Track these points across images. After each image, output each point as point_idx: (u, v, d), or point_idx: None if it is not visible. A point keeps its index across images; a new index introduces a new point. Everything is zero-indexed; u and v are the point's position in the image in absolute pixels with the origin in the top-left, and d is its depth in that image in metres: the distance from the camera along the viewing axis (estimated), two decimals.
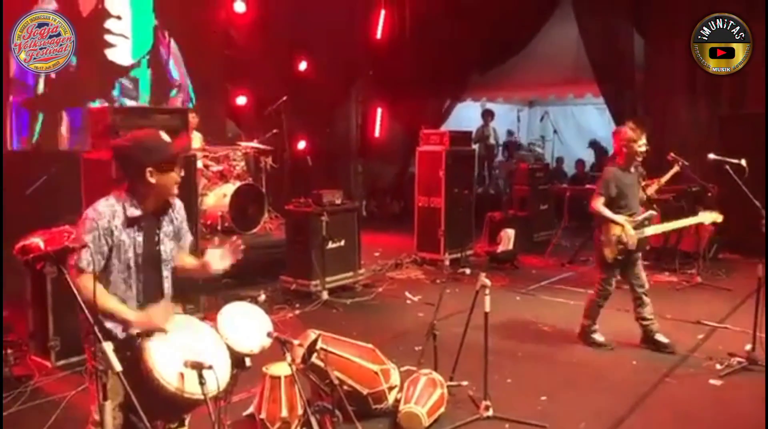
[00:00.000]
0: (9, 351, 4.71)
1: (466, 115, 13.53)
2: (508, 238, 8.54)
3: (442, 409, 4.14)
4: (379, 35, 12.18)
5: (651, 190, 6.77)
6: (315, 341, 3.85)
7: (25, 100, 8.51)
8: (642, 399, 4.52)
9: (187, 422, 3.05)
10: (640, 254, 5.53)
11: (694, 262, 7.88)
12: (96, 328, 2.45)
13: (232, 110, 11.05)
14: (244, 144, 9.05)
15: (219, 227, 7.97)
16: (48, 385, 4.56)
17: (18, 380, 4.57)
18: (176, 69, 10.24)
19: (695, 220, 5.83)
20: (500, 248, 8.56)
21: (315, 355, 3.80)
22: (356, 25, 12.12)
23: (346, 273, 7.21)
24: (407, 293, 7.17)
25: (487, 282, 4.26)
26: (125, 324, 2.79)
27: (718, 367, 5.01)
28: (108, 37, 9.33)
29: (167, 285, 2.99)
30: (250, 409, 3.95)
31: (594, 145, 14.05)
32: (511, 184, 11.50)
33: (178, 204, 3.07)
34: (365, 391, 4.07)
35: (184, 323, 2.96)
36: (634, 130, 5.35)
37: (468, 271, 8.02)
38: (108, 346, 2.43)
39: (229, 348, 3.03)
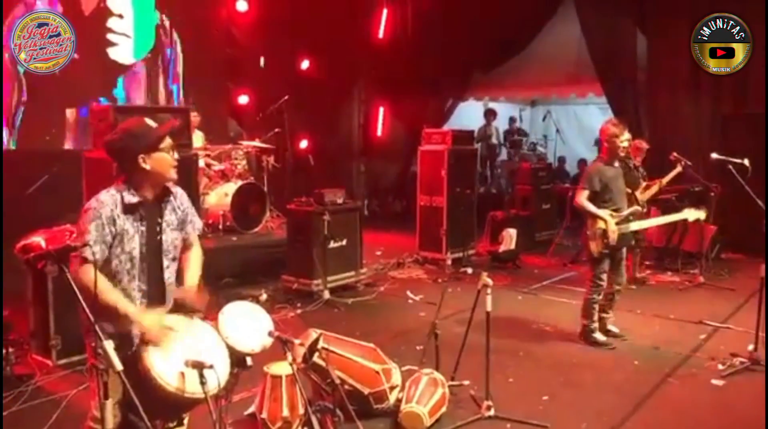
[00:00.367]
0: (10, 350, 4.70)
1: (468, 115, 13.51)
2: (510, 237, 8.53)
3: (444, 409, 4.13)
4: (381, 34, 12.17)
5: (649, 194, 6.78)
6: (316, 340, 3.84)
7: (26, 99, 8.51)
8: (644, 399, 4.51)
9: (186, 422, 3.04)
10: (625, 250, 5.64)
11: (697, 262, 7.88)
12: (96, 326, 2.45)
13: (234, 109, 11.05)
14: (245, 143, 9.06)
15: (221, 226, 7.97)
16: (49, 384, 4.56)
17: (19, 379, 4.57)
18: (173, 71, 10.25)
19: (680, 217, 5.88)
20: (502, 248, 8.56)
21: (316, 354, 3.79)
22: (358, 25, 12.11)
23: (347, 272, 7.21)
24: (409, 293, 7.17)
25: (489, 281, 4.25)
26: (124, 318, 2.78)
27: (721, 367, 5.00)
28: (110, 36, 9.34)
29: (167, 275, 2.98)
30: (251, 409, 3.95)
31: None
32: (513, 184, 11.49)
33: (179, 192, 3.07)
34: (366, 391, 4.07)
35: (185, 323, 2.95)
36: (616, 126, 5.47)
37: (470, 270, 8.01)
38: (109, 345, 2.42)
39: (230, 347, 3.02)
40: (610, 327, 5.72)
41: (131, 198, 2.84)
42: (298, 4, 11.13)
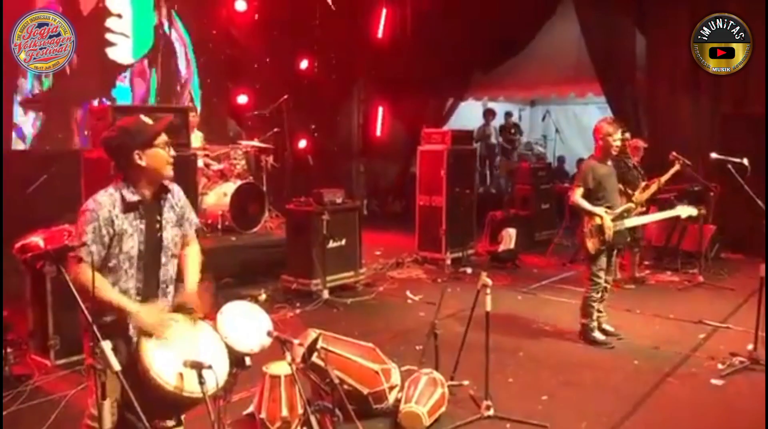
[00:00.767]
0: (9, 350, 4.70)
1: (467, 115, 13.51)
2: (509, 237, 8.54)
3: (443, 409, 4.13)
4: (380, 34, 12.17)
5: (648, 193, 6.78)
6: (315, 340, 3.83)
7: (26, 99, 8.50)
8: (643, 399, 4.51)
9: (182, 420, 3.04)
10: (620, 248, 5.71)
11: (696, 261, 7.87)
12: (94, 327, 2.44)
13: (233, 109, 11.04)
14: (244, 143, 9.05)
15: (219, 226, 7.96)
16: (48, 384, 4.55)
17: (18, 379, 4.56)
18: (184, 63, 10.24)
19: (672, 214, 5.92)
20: (501, 247, 8.56)
21: (315, 354, 3.78)
22: (358, 24, 12.10)
23: (347, 272, 7.20)
24: (408, 292, 7.16)
25: (489, 281, 4.25)
26: (122, 315, 2.78)
27: (720, 366, 5.00)
28: (109, 36, 9.32)
29: (163, 272, 2.97)
30: (250, 409, 3.94)
31: None
32: (512, 184, 11.50)
33: (176, 188, 3.07)
34: (366, 391, 4.06)
35: (183, 322, 2.94)
36: (610, 125, 5.56)
37: (469, 270, 8.03)
38: (106, 345, 2.42)
39: (229, 347, 3.02)
40: (605, 326, 5.73)
41: (131, 196, 2.84)
42: (297, 3, 11.13)
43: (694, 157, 7.25)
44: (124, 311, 2.77)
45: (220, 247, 7.53)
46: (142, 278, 2.88)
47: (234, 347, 3.04)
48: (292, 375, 3.46)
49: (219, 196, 8.09)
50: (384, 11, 12.15)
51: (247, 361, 3.12)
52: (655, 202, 7.50)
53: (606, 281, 5.61)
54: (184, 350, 2.76)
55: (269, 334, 3.21)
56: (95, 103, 8.92)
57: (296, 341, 3.52)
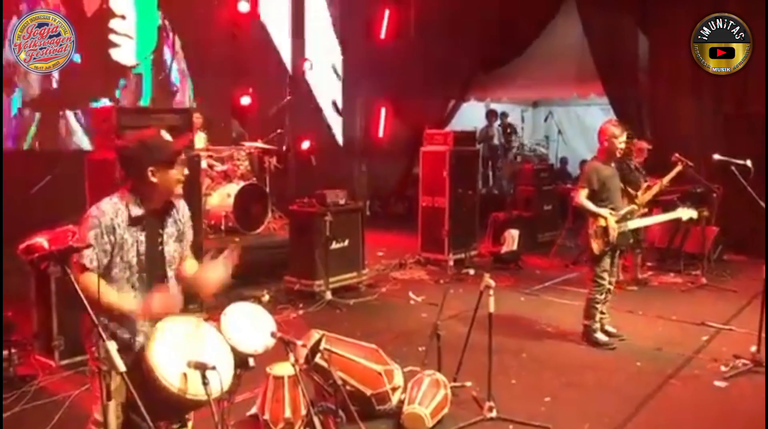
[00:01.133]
0: (13, 350, 4.71)
1: (470, 116, 13.51)
2: (512, 238, 8.53)
3: (446, 410, 4.13)
4: (383, 35, 12.17)
5: (650, 194, 6.79)
6: (318, 341, 3.84)
7: (29, 99, 8.52)
8: (646, 400, 4.51)
9: (190, 424, 3.04)
10: (622, 249, 5.72)
11: (699, 263, 7.86)
12: (99, 328, 2.45)
13: (236, 110, 11.05)
14: (248, 144, 9.06)
15: (223, 227, 7.97)
16: (52, 385, 4.57)
17: (22, 380, 4.58)
18: (177, 73, 10.24)
19: (674, 216, 5.95)
20: (504, 249, 8.55)
21: (318, 355, 3.79)
22: (361, 25, 12.11)
23: (349, 273, 7.21)
24: (411, 293, 7.17)
25: (491, 282, 4.25)
26: (128, 316, 2.79)
27: (723, 368, 5.00)
28: (112, 37, 9.34)
29: (171, 284, 2.98)
30: (254, 410, 3.95)
31: None
32: (515, 185, 11.48)
33: (181, 204, 3.07)
34: (369, 392, 4.07)
35: (187, 324, 2.95)
36: (616, 127, 5.55)
37: (472, 271, 8.02)
38: (111, 346, 2.42)
39: (233, 348, 3.02)
40: (608, 327, 5.73)
41: (137, 210, 2.84)
42: (299, 4, 11.14)
43: (697, 158, 7.24)
44: (127, 311, 2.78)
45: (223, 247, 7.51)
46: (144, 290, 2.89)
47: (237, 348, 3.05)
48: (296, 376, 3.47)
49: (222, 197, 8.11)
50: (387, 12, 12.16)
51: (251, 362, 3.13)
52: (658, 204, 7.49)
53: (609, 283, 5.62)
54: (188, 351, 2.76)
55: (272, 335, 3.22)
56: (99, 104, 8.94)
57: (299, 342, 3.53)
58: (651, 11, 9.96)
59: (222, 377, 2.72)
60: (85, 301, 2.47)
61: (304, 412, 3.70)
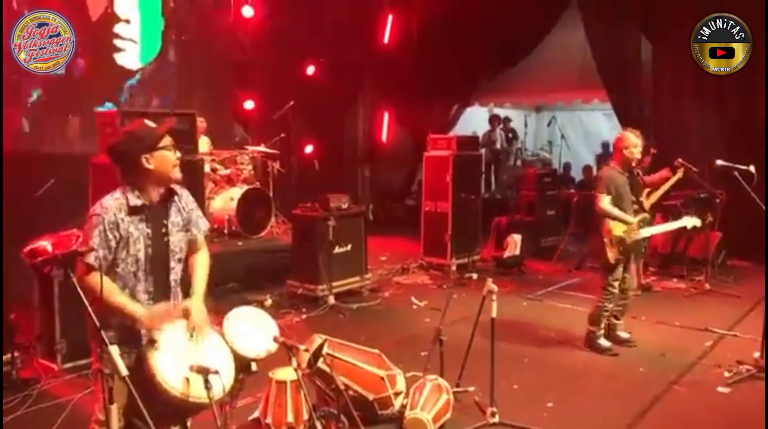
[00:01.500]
0: (16, 353, 4.72)
1: (473, 120, 13.52)
2: (515, 243, 8.52)
3: (448, 415, 4.12)
4: (386, 40, 12.19)
5: (653, 199, 6.78)
6: (321, 346, 3.84)
7: (33, 103, 8.55)
8: (649, 406, 4.50)
9: (189, 426, 3.05)
10: (636, 256, 5.72)
11: (703, 268, 7.84)
12: (102, 332, 2.46)
13: (240, 114, 11.08)
14: (251, 148, 9.08)
15: (226, 231, 7.99)
16: (54, 388, 4.57)
17: (24, 383, 4.58)
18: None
19: (679, 224, 5.90)
20: (507, 253, 8.55)
21: (321, 360, 3.79)
22: (364, 30, 12.13)
23: (352, 277, 7.21)
24: (414, 298, 7.16)
25: (494, 287, 4.25)
26: (132, 320, 2.80)
27: (726, 374, 4.98)
28: (117, 42, 9.38)
29: (173, 276, 2.99)
30: (256, 414, 3.94)
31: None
32: (518, 190, 11.48)
33: (184, 193, 3.08)
34: (371, 397, 4.06)
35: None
36: (637, 136, 5.53)
37: (475, 276, 8.02)
38: (114, 350, 2.43)
39: (235, 353, 3.03)
40: (620, 333, 5.72)
41: (136, 200, 2.86)
42: (303, 9, 11.16)
43: (701, 163, 7.23)
44: (132, 316, 2.79)
45: (227, 251, 7.56)
46: (152, 282, 2.90)
47: (240, 352, 3.05)
48: (298, 381, 3.47)
49: (226, 201, 8.13)
50: (390, 17, 12.18)
51: (253, 366, 3.14)
52: (661, 209, 7.49)
53: (630, 289, 5.62)
54: (190, 355, 2.77)
55: (275, 339, 3.22)
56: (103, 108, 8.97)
57: (302, 347, 3.53)
58: (654, 17, 9.95)
59: (224, 381, 2.72)
60: (88, 305, 2.48)
61: (306, 417, 3.69)
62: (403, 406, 4.12)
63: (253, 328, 3.25)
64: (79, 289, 2.53)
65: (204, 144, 8.23)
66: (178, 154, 2.98)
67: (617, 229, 5.35)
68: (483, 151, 11.10)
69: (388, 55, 12.08)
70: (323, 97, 11.46)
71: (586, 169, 13.30)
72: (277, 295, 7.02)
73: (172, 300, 2.98)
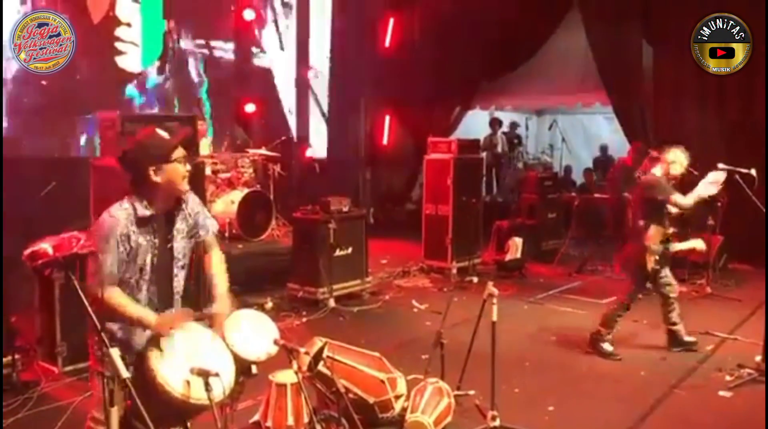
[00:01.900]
0: (16, 356, 4.71)
1: (474, 124, 13.52)
2: (516, 246, 8.52)
3: (449, 419, 4.11)
4: (387, 43, 12.21)
5: None
6: (321, 349, 3.83)
7: (34, 106, 8.56)
8: (650, 410, 4.49)
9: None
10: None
11: (704, 272, 7.83)
12: (103, 335, 2.46)
13: (241, 117, 11.09)
14: (252, 151, 9.08)
15: (226, 234, 7.98)
16: (55, 391, 4.57)
17: (25, 386, 4.57)
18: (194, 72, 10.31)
19: (688, 245, 5.91)
20: (508, 257, 8.54)
21: (321, 363, 3.78)
22: (365, 33, 12.15)
23: (353, 281, 7.20)
24: (414, 301, 7.16)
25: (495, 291, 4.24)
26: (144, 328, 2.81)
27: (728, 378, 4.97)
28: (118, 45, 9.40)
29: (175, 282, 2.99)
30: (256, 417, 3.94)
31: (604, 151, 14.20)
32: (519, 193, 11.48)
33: (190, 198, 3.06)
34: (372, 400, 4.05)
35: (191, 330, 2.96)
36: (686, 157, 5.54)
37: (475, 279, 8.01)
38: (115, 352, 2.43)
39: (236, 355, 3.02)
40: (686, 338, 5.65)
41: (144, 211, 2.84)
42: (305, 11, 11.19)
43: (702, 166, 7.23)
44: (146, 324, 2.80)
45: (227, 254, 7.48)
46: (155, 290, 2.90)
47: (240, 355, 3.05)
48: (298, 383, 3.46)
49: (226, 204, 8.13)
50: (391, 20, 12.20)
51: (254, 369, 3.13)
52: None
53: (675, 291, 5.63)
54: (191, 357, 2.77)
55: (275, 342, 3.21)
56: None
57: (302, 349, 3.53)
58: (655, 21, 9.96)
59: (225, 384, 2.72)
60: (89, 308, 2.48)
61: (306, 420, 3.68)
62: (404, 410, 4.11)
63: (254, 331, 3.24)
64: (80, 293, 2.53)
65: (204, 147, 8.23)
66: (189, 167, 2.94)
67: (659, 237, 5.34)
68: (484, 154, 11.10)
69: (389, 58, 12.10)
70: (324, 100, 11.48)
71: (587, 172, 13.30)
72: (278, 297, 7.01)
73: (174, 308, 2.97)
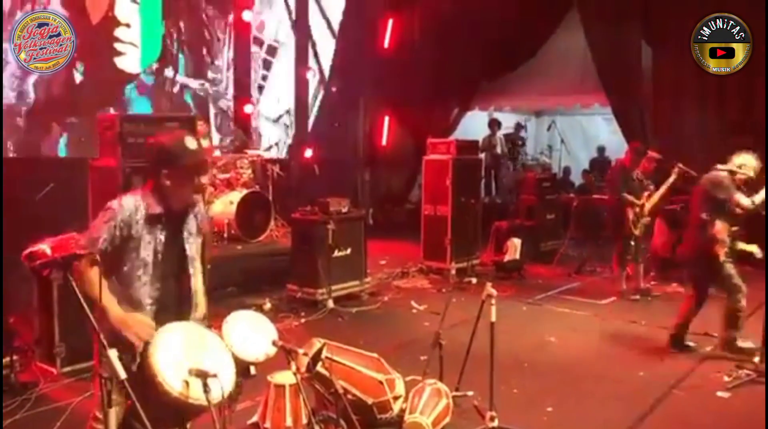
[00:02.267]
0: (14, 357, 4.71)
1: (473, 125, 13.53)
2: (514, 247, 8.52)
3: (447, 420, 4.11)
4: (386, 44, 12.22)
5: (652, 202, 6.79)
6: (320, 350, 3.83)
7: (34, 107, 8.56)
8: (649, 411, 4.49)
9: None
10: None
11: None
12: (101, 336, 2.46)
13: (240, 118, 11.09)
14: (251, 152, 9.08)
15: (225, 235, 7.99)
16: (53, 392, 4.56)
17: (23, 387, 4.57)
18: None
19: (750, 248, 5.88)
20: (507, 257, 8.54)
21: (320, 364, 3.78)
22: (364, 34, 12.16)
23: (352, 281, 7.20)
24: (413, 302, 7.15)
25: (494, 291, 4.25)
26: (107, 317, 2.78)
27: (726, 379, 4.97)
28: (117, 46, 9.40)
29: (194, 282, 3.01)
30: (255, 418, 3.94)
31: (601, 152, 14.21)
32: (518, 194, 11.48)
33: (197, 197, 3.09)
34: (370, 401, 4.05)
35: (189, 331, 2.96)
36: (758, 165, 5.55)
37: (474, 280, 8.01)
38: (113, 353, 2.42)
39: (234, 356, 3.02)
40: (743, 344, 5.59)
41: (155, 208, 2.86)
42: (304, 12, 11.20)
43: (701, 167, 7.23)
44: (106, 312, 2.74)
45: (226, 255, 7.56)
46: (159, 288, 2.90)
47: (239, 356, 3.05)
48: (297, 385, 3.45)
49: (225, 205, 8.13)
50: (390, 21, 12.21)
51: (252, 370, 3.12)
52: (662, 213, 7.49)
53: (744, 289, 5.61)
54: (189, 358, 2.76)
55: (274, 343, 3.21)
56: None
57: (301, 351, 3.53)
58: (654, 21, 9.97)
59: (223, 385, 2.72)
60: (86, 308, 2.47)
61: (305, 421, 3.68)
62: (402, 411, 4.11)
63: (252, 332, 3.24)
64: (78, 293, 2.52)
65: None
66: (204, 180, 2.97)
67: (724, 229, 5.36)
68: (483, 155, 11.11)
69: (388, 58, 12.11)
70: (324, 101, 11.48)
71: (586, 173, 13.32)
72: (276, 298, 7.01)
73: (185, 307, 3.00)
